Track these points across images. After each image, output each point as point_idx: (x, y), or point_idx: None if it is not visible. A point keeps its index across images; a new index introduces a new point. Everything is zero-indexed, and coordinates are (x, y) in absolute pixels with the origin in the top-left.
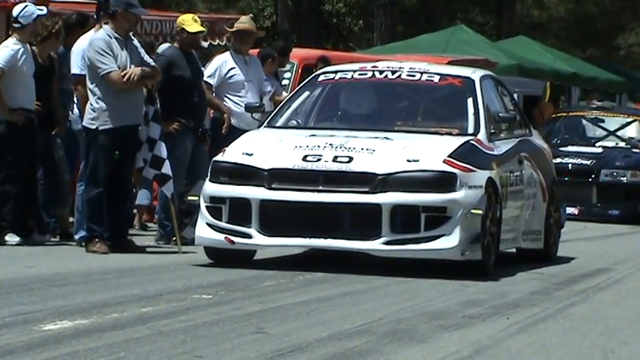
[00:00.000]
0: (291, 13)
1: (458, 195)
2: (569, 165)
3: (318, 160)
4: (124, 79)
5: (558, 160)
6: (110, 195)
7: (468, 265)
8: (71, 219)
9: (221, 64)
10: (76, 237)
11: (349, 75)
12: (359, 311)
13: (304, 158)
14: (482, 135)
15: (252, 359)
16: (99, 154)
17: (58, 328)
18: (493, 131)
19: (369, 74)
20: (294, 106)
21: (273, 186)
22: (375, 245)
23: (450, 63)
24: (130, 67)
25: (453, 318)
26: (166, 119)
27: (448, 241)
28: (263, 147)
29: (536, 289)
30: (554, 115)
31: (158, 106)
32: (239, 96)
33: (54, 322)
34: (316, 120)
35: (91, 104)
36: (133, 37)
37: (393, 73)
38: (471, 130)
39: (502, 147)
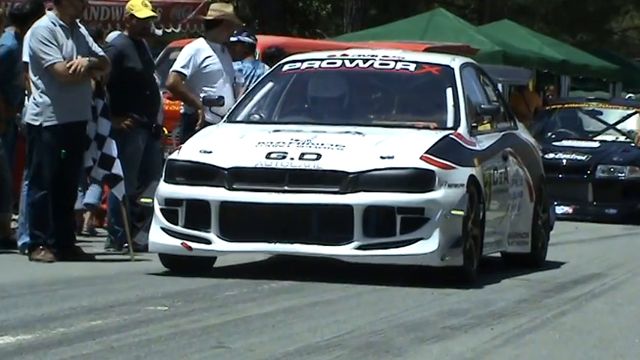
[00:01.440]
0: None
1: (436, 194)
2: (564, 160)
3: (284, 157)
4: (70, 71)
5: (552, 155)
6: (56, 198)
7: (449, 272)
8: (14, 224)
9: (195, 53)
10: (19, 243)
11: (316, 64)
12: (329, 323)
13: (268, 156)
14: (462, 129)
15: None
16: (43, 153)
17: None
18: (474, 125)
19: (339, 63)
20: (256, 98)
21: (234, 186)
22: (346, 250)
23: (427, 50)
24: (77, 58)
25: (433, 329)
26: (117, 114)
27: (426, 246)
28: (223, 144)
29: (523, 297)
30: (548, 108)
31: (107, 100)
32: (215, 88)
33: None
34: (280, 114)
35: (34, 98)
36: (79, 25)
37: (365, 61)
38: (450, 123)
39: (484, 142)
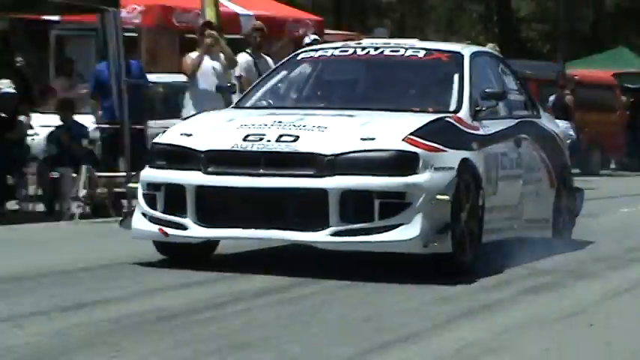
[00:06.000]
0: None
1: (420, 178)
2: None
3: (260, 139)
4: None
5: None
6: None
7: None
8: None
9: None
10: None
11: (329, 52)
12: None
13: (245, 138)
14: (463, 112)
15: None
16: None
17: None
18: (479, 109)
19: (351, 51)
20: (268, 85)
21: (209, 170)
22: (321, 237)
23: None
24: None
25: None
26: None
27: (407, 232)
28: (205, 127)
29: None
30: None
31: None
32: None
33: None
34: (289, 99)
35: None
36: None
37: (376, 49)
38: (453, 107)
39: (492, 127)
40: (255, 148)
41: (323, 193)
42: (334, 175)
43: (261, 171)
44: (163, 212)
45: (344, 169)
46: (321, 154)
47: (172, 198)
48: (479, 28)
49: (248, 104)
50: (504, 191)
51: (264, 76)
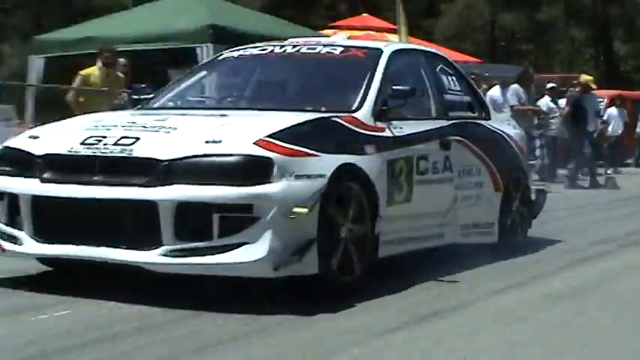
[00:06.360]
0: None
1: (272, 188)
2: None
3: (99, 142)
4: None
5: None
6: None
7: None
8: None
9: None
10: None
11: (249, 52)
12: None
13: (84, 141)
14: (362, 112)
15: None
16: None
17: None
18: (385, 108)
19: (269, 49)
20: (183, 86)
21: (44, 177)
22: (150, 257)
23: None
24: None
25: None
26: None
27: (251, 252)
28: (58, 129)
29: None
30: None
31: None
32: None
33: None
34: (194, 100)
35: None
36: None
37: (294, 47)
38: (355, 106)
39: (407, 128)
40: (89, 153)
41: (153, 205)
42: (170, 184)
43: (96, 179)
44: (5, 224)
45: (182, 178)
46: (156, 160)
47: (13, 208)
48: (591, 64)
49: (157, 104)
50: (425, 197)
51: (182, 76)
